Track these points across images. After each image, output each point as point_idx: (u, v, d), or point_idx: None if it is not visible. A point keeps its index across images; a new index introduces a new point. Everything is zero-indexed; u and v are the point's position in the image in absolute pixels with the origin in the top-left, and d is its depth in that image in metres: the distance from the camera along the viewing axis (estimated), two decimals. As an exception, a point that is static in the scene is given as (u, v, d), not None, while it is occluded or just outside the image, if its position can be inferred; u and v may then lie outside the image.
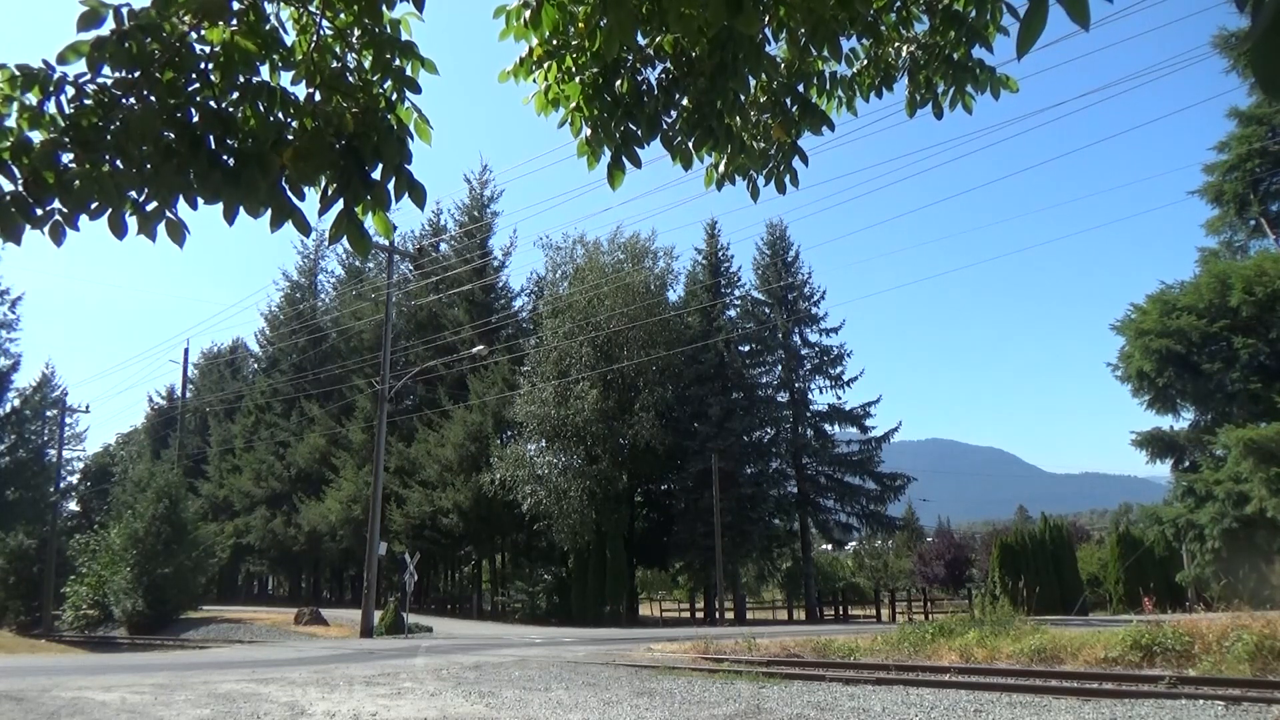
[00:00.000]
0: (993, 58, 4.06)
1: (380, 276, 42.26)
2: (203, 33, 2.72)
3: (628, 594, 38.33)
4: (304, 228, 2.82)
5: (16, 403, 42.63)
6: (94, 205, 2.63)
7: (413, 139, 3.01)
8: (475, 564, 48.49)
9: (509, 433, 40.64)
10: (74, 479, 57.76)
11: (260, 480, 53.02)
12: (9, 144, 2.55)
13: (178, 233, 2.77)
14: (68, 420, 48.80)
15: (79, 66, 2.54)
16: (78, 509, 61.58)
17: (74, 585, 38.68)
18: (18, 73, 2.54)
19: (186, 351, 46.65)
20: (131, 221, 2.72)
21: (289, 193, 2.80)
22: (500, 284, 48.06)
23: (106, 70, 2.57)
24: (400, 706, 9.69)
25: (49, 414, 46.82)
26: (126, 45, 2.53)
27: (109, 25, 2.54)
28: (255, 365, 64.93)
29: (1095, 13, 2.11)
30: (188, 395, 49.82)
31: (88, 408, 49.54)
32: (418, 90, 3.01)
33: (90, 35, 2.51)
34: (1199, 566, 26.90)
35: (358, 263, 54.51)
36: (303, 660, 16.93)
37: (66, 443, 48.71)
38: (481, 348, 36.35)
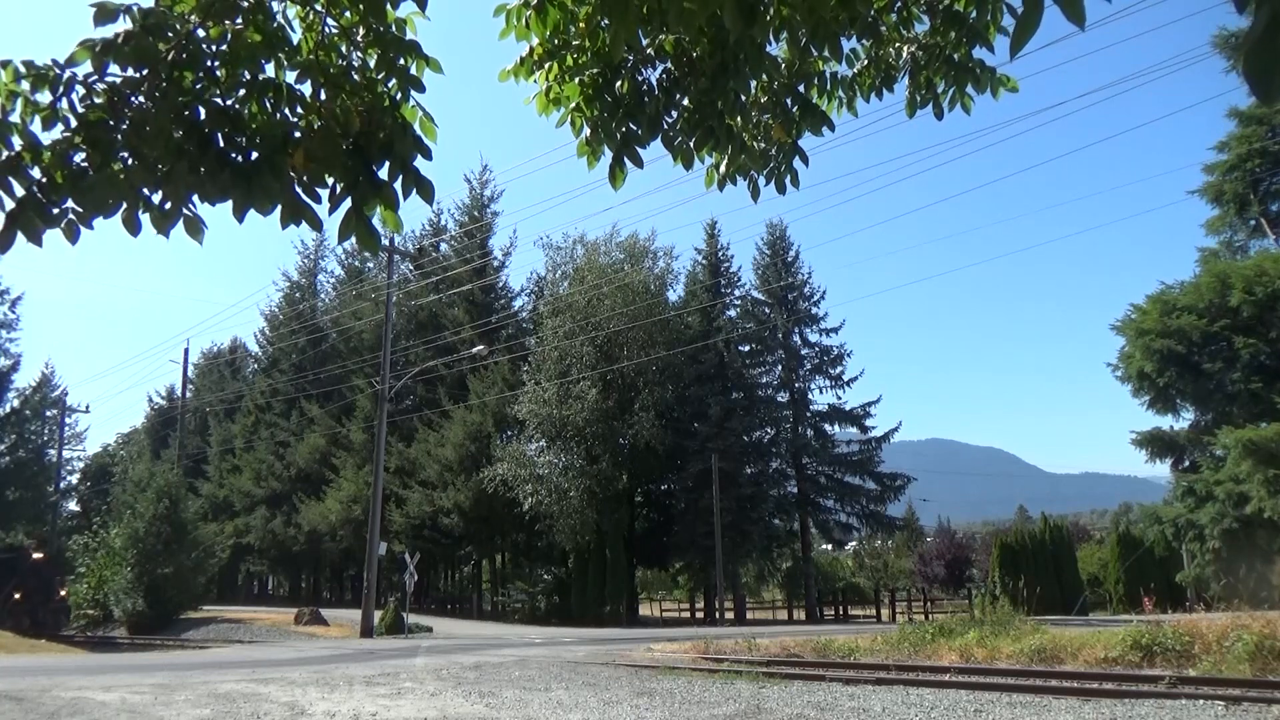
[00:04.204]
0: (993, 58, 4.06)
1: (380, 276, 42.27)
2: (207, 30, 2.72)
3: (628, 594, 38.33)
4: (316, 225, 2.84)
5: (16, 403, 42.68)
6: (108, 204, 2.64)
7: (417, 136, 3.01)
8: (475, 564, 48.48)
9: (509, 432, 40.66)
10: (74, 479, 57.91)
11: (260, 480, 53.02)
12: (20, 145, 2.56)
13: (196, 229, 2.78)
14: (68, 420, 48.94)
15: (87, 66, 2.56)
16: (78, 509, 61.59)
17: (74, 585, 38.69)
18: (23, 69, 2.55)
19: (186, 351, 46.49)
20: (144, 219, 2.74)
21: (302, 193, 2.81)
22: (500, 284, 48.07)
23: (115, 69, 2.58)
24: (400, 706, 9.70)
25: (49, 414, 46.87)
26: (133, 43, 2.54)
27: (122, 22, 2.56)
28: (255, 365, 64.92)
29: (1095, 13, 2.12)
30: (188, 395, 49.79)
31: (88, 408, 49.73)
32: (422, 89, 3.02)
33: (107, 30, 2.53)
34: (1199, 566, 26.92)
35: (358, 263, 54.59)
36: (303, 660, 16.93)
37: (66, 443, 48.81)
38: (481, 348, 36.37)
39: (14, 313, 41.48)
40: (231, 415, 59.99)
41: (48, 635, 31.61)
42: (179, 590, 34.39)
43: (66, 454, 49.29)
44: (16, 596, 33.09)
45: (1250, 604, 18.09)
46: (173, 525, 34.39)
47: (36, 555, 36.06)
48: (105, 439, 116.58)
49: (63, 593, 36.02)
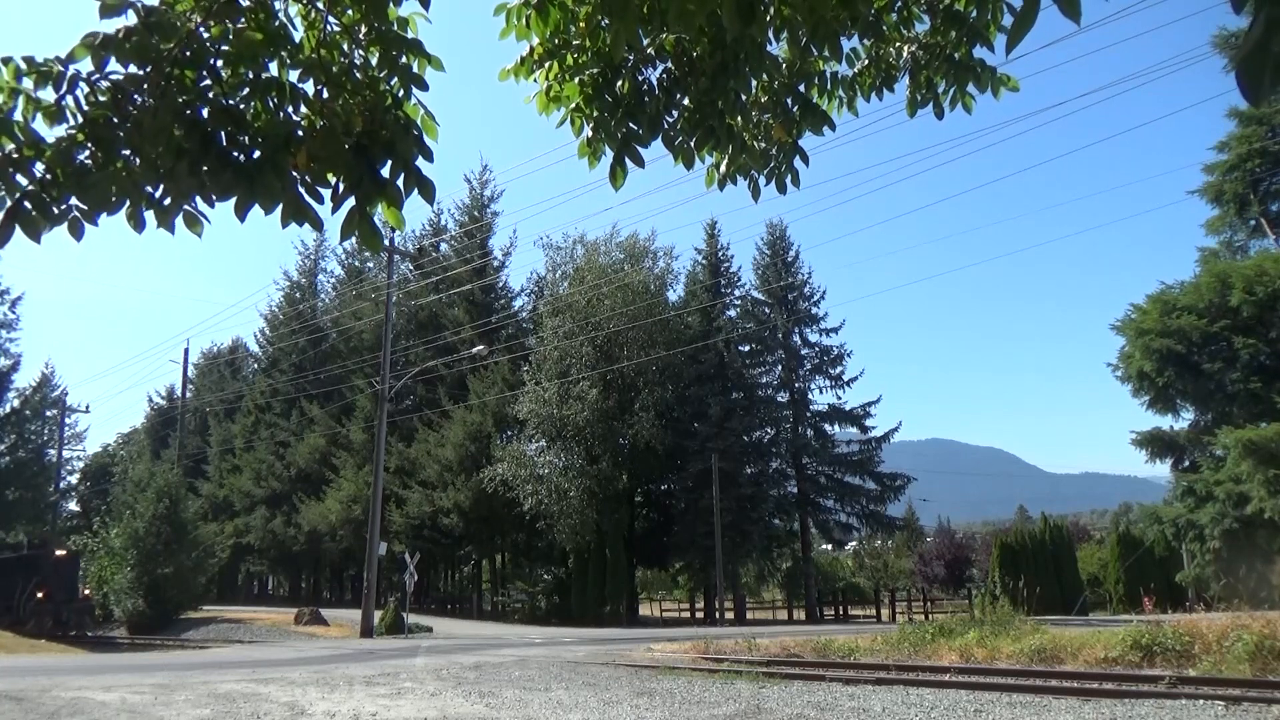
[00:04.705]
0: (994, 57, 4.06)
1: (380, 276, 42.26)
2: (209, 29, 2.73)
3: (628, 594, 38.33)
4: (317, 224, 2.84)
5: (16, 403, 42.59)
6: (112, 200, 2.64)
7: (420, 135, 3.01)
8: (475, 564, 48.49)
9: (509, 432, 40.68)
10: (74, 479, 57.80)
11: (260, 480, 53.01)
12: (22, 141, 2.56)
13: (196, 224, 2.79)
14: (68, 420, 48.84)
15: (89, 63, 2.56)
16: (78, 509, 61.55)
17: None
18: (24, 66, 2.55)
19: (186, 351, 46.46)
20: (148, 215, 2.74)
21: (304, 193, 2.82)
22: (500, 284, 48.07)
23: (120, 67, 2.58)
24: (400, 706, 9.70)
25: (49, 414, 46.79)
26: (134, 41, 2.54)
27: (128, 16, 2.56)
28: (255, 365, 64.90)
29: (1095, 12, 2.13)
30: (188, 395, 49.79)
31: (88, 408, 49.61)
32: (425, 88, 3.02)
33: (113, 22, 2.54)
34: (1199, 566, 26.94)
35: (358, 263, 54.59)
36: (303, 660, 16.93)
37: (66, 443, 48.73)
38: (481, 348, 36.37)
39: (14, 313, 41.41)
40: (231, 415, 59.97)
41: (69, 635, 30.95)
42: (179, 590, 34.37)
43: (66, 454, 49.24)
44: (40, 595, 32.15)
45: (1250, 604, 18.10)
46: (173, 525, 34.36)
47: (60, 553, 35.06)
48: (105, 439, 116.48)
49: (86, 591, 35.04)
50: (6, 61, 2.56)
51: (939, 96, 4.17)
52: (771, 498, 38.76)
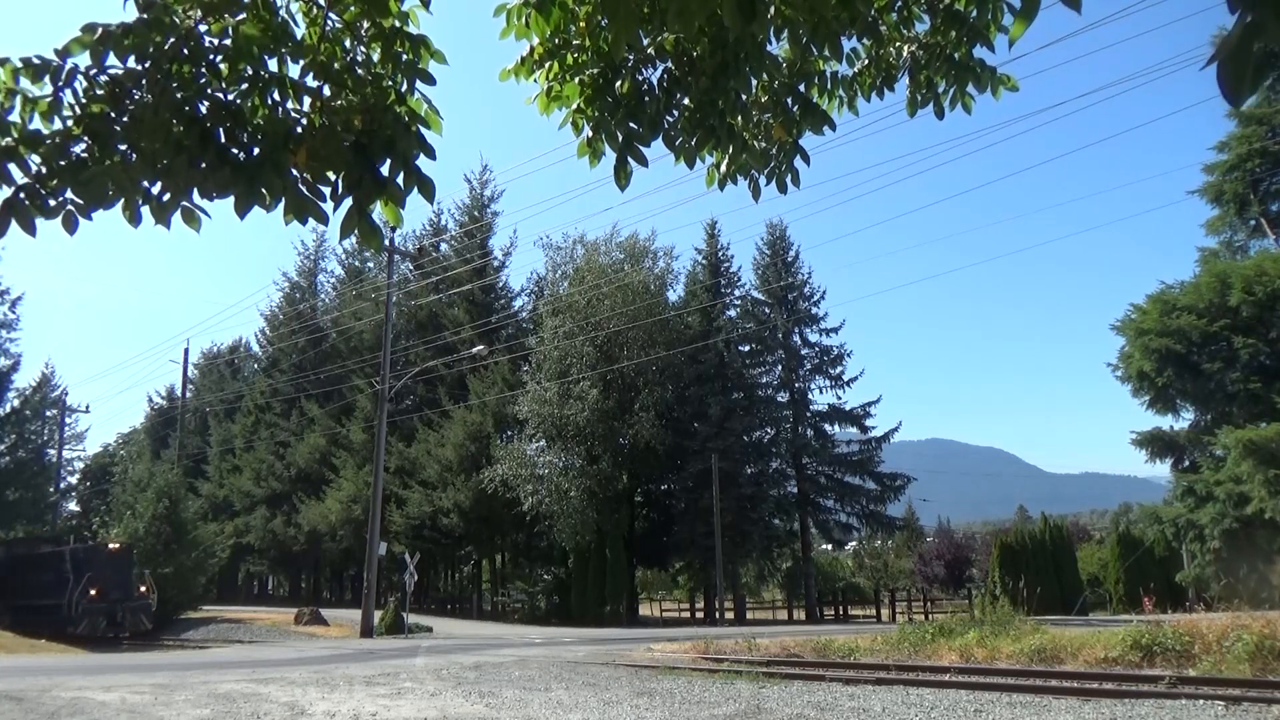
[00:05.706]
0: (994, 57, 4.06)
1: (380, 276, 42.27)
2: (209, 25, 2.72)
3: (628, 594, 38.32)
4: (323, 219, 2.84)
5: (16, 403, 42.56)
6: (108, 195, 2.64)
7: (421, 133, 3.01)
8: (475, 564, 48.49)
9: (509, 432, 40.68)
10: (74, 479, 57.83)
11: (260, 480, 53.01)
12: (17, 135, 2.56)
13: (194, 220, 2.78)
14: (68, 420, 48.95)
15: (85, 58, 2.55)
16: (78, 509, 61.50)
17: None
18: (19, 64, 2.55)
19: (186, 351, 46.56)
20: (145, 211, 2.74)
21: (305, 190, 2.81)
22: (500, 284, 48.08)
23: (118, 62, 2.57)
24: (400, 706, 9.70)
25: (49, 414, 46.84)
26: (133, 37, 2.53)
27: (128, 8, 2.57)
28: (255, 365, 64.90)
29: (1095, 12, 2.13)
30: (188, 395, 49.81)
31: (88, 408, 49.78)
32: (432, 81, 3.01)
33: (110, 15, 2.54)
34: (1199, 566, 26.94)
35: (358, 263, 54.61)
36: (303, 660, 16.93)
37: (66, 443, 48.83)
38: (481, 348, 36.38)
39: (14, 313, 41.34)
40: (231, 415, 59.96)
41: (122, 638, 29.63)
42: (179, 590, 34.32)
43: (66, 454, 49.36)
44: (93, 593, 30.12)
45: (1250, 604, 18.11)
46: (173, 525, 34.34)
47: (112, 545, 33.16)
48: (105, 439, 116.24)
49: (143, 589, 32.89)
50: (4, 63, 2.56)
51: (939, 96, 4.16)
52: (771, 498, 38.76)
